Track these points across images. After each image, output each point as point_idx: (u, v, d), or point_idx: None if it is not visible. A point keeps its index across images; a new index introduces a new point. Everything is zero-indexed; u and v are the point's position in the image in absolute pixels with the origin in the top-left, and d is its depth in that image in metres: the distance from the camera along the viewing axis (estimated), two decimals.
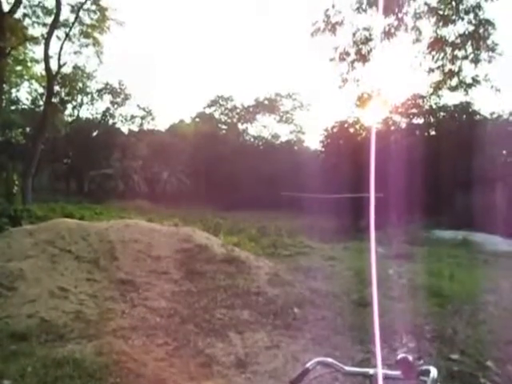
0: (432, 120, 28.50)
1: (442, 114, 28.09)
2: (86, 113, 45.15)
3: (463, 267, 10.71)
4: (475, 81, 9.23)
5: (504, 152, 26.74)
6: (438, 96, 10.87)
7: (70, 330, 5.10)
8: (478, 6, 8.70)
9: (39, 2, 20.43)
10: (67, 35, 21.07)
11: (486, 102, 24.33)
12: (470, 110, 26.70)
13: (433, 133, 28.46)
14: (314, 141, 39.92)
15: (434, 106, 27.35)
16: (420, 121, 28.78)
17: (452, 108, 27.03)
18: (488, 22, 8.72)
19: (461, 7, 8.89)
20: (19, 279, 6.17)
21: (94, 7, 21.18)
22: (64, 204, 23.02)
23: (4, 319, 5.25)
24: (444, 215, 21.73)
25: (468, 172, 20.19)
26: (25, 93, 35.32)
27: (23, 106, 37.07)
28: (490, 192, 20.69)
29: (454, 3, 8.91)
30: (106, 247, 7.55)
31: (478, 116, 26.99)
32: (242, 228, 17.12)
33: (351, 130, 27.30)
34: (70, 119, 39.15)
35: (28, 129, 33.89)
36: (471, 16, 8.84)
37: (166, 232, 8.66)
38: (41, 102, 33.19)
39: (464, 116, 26.97)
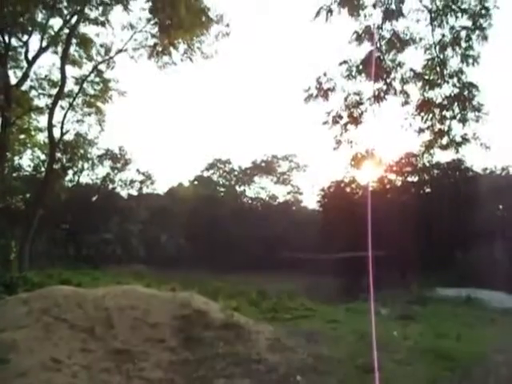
0: (426, 177, 29.00)
1: (435, 171, 28.65)
2: (86, 178, 45.76)
3: (470, 327, 10.40)
4: (465, 139, 9.47)
5: (500, 207, 26.96)
6: (431, 154, 11.07)
7: None
8: (461, 71, 9.15)
9: (46, 76, 21.52)
10: (71, 105, 21.91)
11: (479, 158, 24.96)
12: (463, 166, 27.28)
13: (428, 190, 28.84)
14: (311, 200, 40.29)
15: (428, 164, 27.96)
16: (414, 178, 29.28)
17: (445, 165, 27.63)
18: (471, 85, 9.12)
19: (445, 72, 9.34)
20: (12, 350, 5.96)
21: (97, 79, 22.24)
22: (61, 270, 22.67)
23: None
24: (446, 272, 21.43)
25: (467, 228, 20.25)
26: (27, 160, 36.03)
27: (25, 173, 37.66)
28: (490, 247, 20.60)
29: (438, 69, 9.37)
30: (102, 315, 7.36)
31: (470, 172, 27.53)
32: (241, 291, 16.79)
33: (347, 189, 27.66)
34: (70, 185, 39.65)
35: (28, 195, 34.19)
36: (455, 80, 9.28)
37: (163, 298, 8.49)
38: (42, 169, 33.78)
39: (457, 173, 27.51)
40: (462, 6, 8.77)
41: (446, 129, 9.55)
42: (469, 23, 8.86)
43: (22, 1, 13.85)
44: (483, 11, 8.67)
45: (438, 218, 22.03)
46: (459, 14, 8.84)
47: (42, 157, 32.65)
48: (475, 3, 8.71)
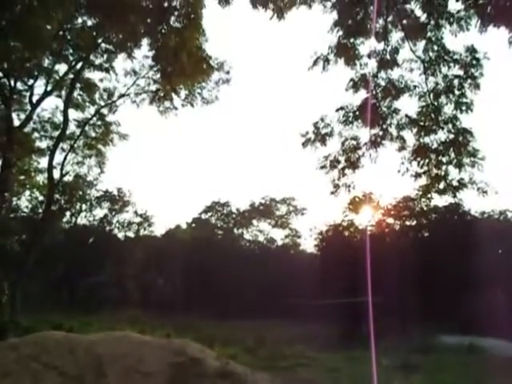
0: (424, 221, 28.99)
1: (433, 215, 28.69)
2: (83, 219, 45.64)
3: (475, 378, 10.03)
4: (461, 184, 9.54)
5: (500, 251, 26.80)
6: (428, 199, 11.13)
7: None
8: (455, 117, 9.37)
9: (49, 118, 21.92)
10: (72, 147, 22.17)
11: (477, 201, 25.10)
12: (461, 210, 27.34)
13: (426, 234, 28.76)
14: (309, 244, 40.02)
15: (426, 208, 28.04)
16: (413, 222, 29.27)
17: (443, 209, 27.70)
18: (466, 131, 9.31)
19: (439, 118, 9.56)
20: None
21: (99, 122, 22.65)
22: (54, 314, 22.12)
23: None
24: (447, 319, 20.95)
25: (467, 274, 20.00)
26: (25, 201, 36.02)
27: (22, 214, 37.53)
28: (492, 294, 20.27)
29: (432, 115, 9.60)
30: (94, 362, 7.10)
31: (469, 216, 27.57)
32: (238, 338, 16.33)
33: (346, 232, 27.57)
34: (67, 226, 39.44)
35: (24, 236, 33.89)
36: (450, 126, 9.48)
37: (157, 344, 8.23)
38: (40, 210, 33.72)
39: (455, 217, 27.54)
40: (454, 57, 9.12)
41: (442, 174, 9.64)
42: (461, 72, 9.18)
43: (29, 47, 14.30)
44: (474, 61, 9.01)
45: (438, 263, 21.84)
46: (451, 64, 9.18)
47: (41, 198, 32.72)
48: (466, 54, 9.06)
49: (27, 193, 28.63)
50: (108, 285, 35.85)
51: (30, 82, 19.28)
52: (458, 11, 8.60)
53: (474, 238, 21.65)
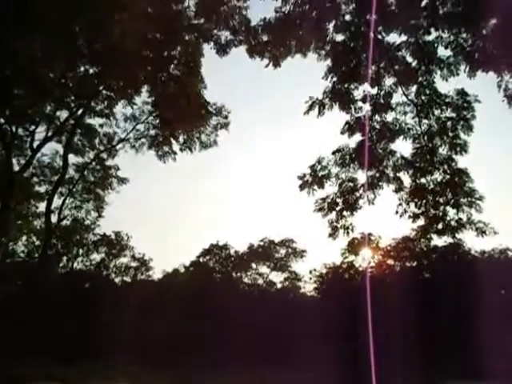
0: (425, 262, 28.72)
1: (433, 255, 28.45)
2: (80, 264, 45.06)
3: None
4: (460, 224, 9.52)
5: (503, 292, 26.40)
6: (427, 239, 11.08)
7: None
8: (450, 158, 9.51)
9: (48, 163, 22.12)
10: (70, 191, 22.26)
11: (478, 240, 24.92)
12: (461, 250, 27.14)
13: (427, 275, 28.42)
14: (309, 287, 39.37)
15: (425, 249, 27.83)
16: (413, 263, 28.97)
17: (443, 249, 27.49)
18: (461, 171, 9.42)
19: (435, 159, 9.68)
20: None
21: (98, 167, 22.85)
22: (46, 363, 21.39)
23: None
24: (455, 363, 20.32)
25: (469, 315, 19.60)
26: (21, 245, 35.69)
27: (18, 259, 37.06)
28: (497, 335, 19.77)
29: (427, 156, 9.73)
30: None
31: (469, 256, 27.35)
32: None
33: (346, 275, 27.22)
34: (63, 271, 38.82)
35: (20, 282, 33.30)
36: (445, 166, 9.59)
37: None
38: (37, 255, 33.35)
39: (456, 256, 27.31)
40: (446, 100, 9.38)
41: (440, 214, 9.64)
42: (453, 114, 9.41)
43: (32, 95, 14.67)
44: (465, 104, 9.26)
45: (439, 305, 21.44)
46: (444, 107, 9.43)
47: (37, 242, 32.42)
48: (457, 97, 9.32)
49: (24, 237, 28.35)
50: (104, 332, 34.81)
51: (32, 128, 19.62)
52: (448, 57, 8.94)
53: (475, 278, 21.38)
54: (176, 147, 18.92)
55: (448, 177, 9.50)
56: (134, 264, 45.00)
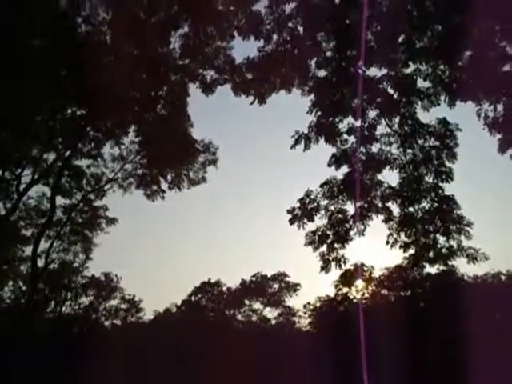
0: (419, 291, 28.51)
1: (427, 284, 28.28)
2: (68, 308, 43.77)
3: None
4: (451, 252, 9.50)
5: (497, 317, 26.24)
6: (420, 268, 11.04)
7: None
8: (437, 186, 9.62)
9: (35, 206, 21.72)
10: (58, 234, 21.85)
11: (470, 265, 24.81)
12: (454, 277, 27.03)
13: (422, 304, 28.17)
14: (304, 321, 38.67)
15: (418, 277, 27.67)
16: (407, 293, 28.75)
17: (436, 277, 27.33)
18: (449, 199, 9.51)
19: (421, 188, 9.79)
20: None
21: (86, 208, 22.56)
22: None
23: None
24: None
25: (466, 343, 19.37)
26: (7, 291, 34.70)
27: (4, 305, 35.90)
28: (495, 363, 19.47)
29: (414, 185, 9.84)
30: None
31: (462, 282, 27.26)
32: None
33: (341, 308, 26.84)
34: (50, 316, 37.61)
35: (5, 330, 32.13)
36: (433, 194, 9.68)
37: None
38: (23, 301, 32.38)
39: (450, 283, 27.17)
40: (429, 129, 9.60)
41: (431, 242, 9.64)
42: (437, 143, 9.61)
43: (18, 138, 14.61)
44: (448, 133, 9.47)
45: (437, 334, 21.17)
46: (427, 136, 9.64)
47: (24, 288, 31.55)
48: (439, 126, 9.55)
49: (10, 283, 27.54)
50: (94, 381, 33.43)
51: (18, 171, 19.39)
52: (427, 88, 9.23)
53: (469, 305, 21.28)
54: (164, 185, 18.84)
55: (436, 204, 9.58)
56: (124, 306, 43.92)
